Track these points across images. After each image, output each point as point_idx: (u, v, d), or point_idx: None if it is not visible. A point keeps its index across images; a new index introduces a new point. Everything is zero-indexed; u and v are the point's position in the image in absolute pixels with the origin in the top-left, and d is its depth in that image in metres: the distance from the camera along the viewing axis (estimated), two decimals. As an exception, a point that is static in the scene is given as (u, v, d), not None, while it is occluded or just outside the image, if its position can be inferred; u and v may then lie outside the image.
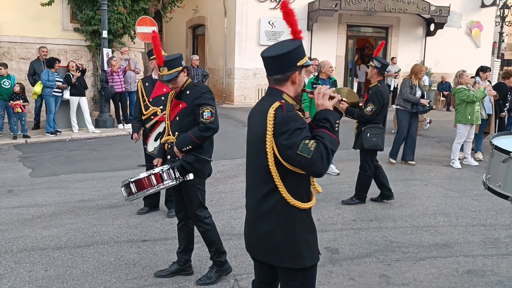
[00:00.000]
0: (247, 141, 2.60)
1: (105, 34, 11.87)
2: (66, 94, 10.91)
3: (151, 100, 5.47)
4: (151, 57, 5.52)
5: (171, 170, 3.85)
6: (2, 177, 7.54)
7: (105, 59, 11.77)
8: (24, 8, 12.11)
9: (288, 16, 2.50)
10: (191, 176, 3.91)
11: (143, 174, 3.81)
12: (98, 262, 4.49)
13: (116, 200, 6.43)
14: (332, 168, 8.03)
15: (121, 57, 11.90)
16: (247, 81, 17.06)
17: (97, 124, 11.91)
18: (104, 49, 11.88)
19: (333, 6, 16.13)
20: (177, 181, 3.89)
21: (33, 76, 11.15)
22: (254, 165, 2.55)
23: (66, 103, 11.10)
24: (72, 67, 10.87)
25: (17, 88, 10.20)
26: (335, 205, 6.39)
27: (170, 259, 4.58)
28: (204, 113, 3.83)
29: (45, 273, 4.25)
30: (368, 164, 6.21)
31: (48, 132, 10.72)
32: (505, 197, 3.55)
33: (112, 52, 12.50)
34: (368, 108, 5.98)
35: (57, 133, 10.84)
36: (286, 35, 15.95)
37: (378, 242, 5.11)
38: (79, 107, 11.20)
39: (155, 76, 5.61)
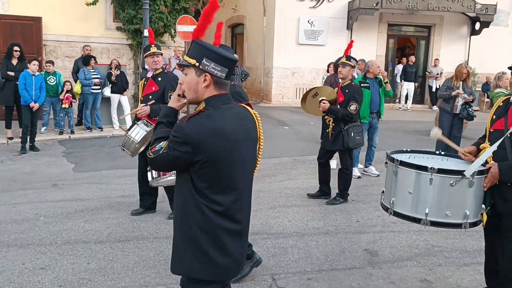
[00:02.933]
0: (244, 151, 2.41)
1: (146, 33, 12.05)
2: (107, 92, 11.16)
3: (142, 98, 5.61)
4: (147, 54, 5.63)
5: None
6: (47, 172, 7.79)
7: (146, 57, 11.95)
8: (70, 8, 12.45)
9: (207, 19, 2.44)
10: None
11: None
12: (138, 257, 4.56)
13: (156, 196, 6.52)
14: (372, 169, 7.90)
15: (170, 56, 12.19)
16: (285, 80, 17.00)
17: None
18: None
19: (374, 4, 15.87)
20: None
21: (77, 73, 11.45)
22: (248, 173, 2.48)
23: (108, 100, 11.35)
24: (114, 65, 11.11)
25: (68, 86, 10.51)
26: (374, 207, 6.27)
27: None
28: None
29: (87, 266, 4.35)
30: (350, 163, 6.31)
31: (86, 127, 11.06)
32: (458, 225, 3.18)
33: (153, 50, 12.67)
34: (352, 107, 6.02)
35: (99, 129, 11.11)
36: (325, 34, 15.83)
37: (419, 246, 4.99)
38: (120, 104, 11.43)
39: (149, 74, 5.68)
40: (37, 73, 9.15)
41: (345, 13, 16.97)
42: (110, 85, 11.13)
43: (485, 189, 3.20)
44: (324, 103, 6.06)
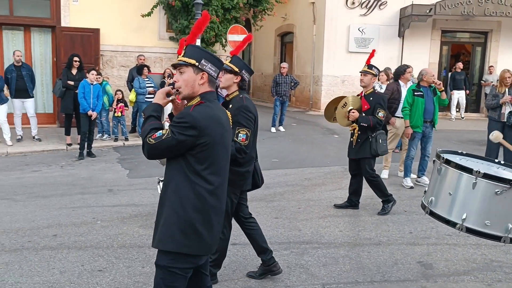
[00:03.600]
0: (228, 139, 2.83)
1: (198, 42, 12.32)
2: (162, 100, 11.46)
3: None
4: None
5: None
6: (103, 177, 8.08)
7: (198, 66, 12.21)
8: (126, 20, 12.92)
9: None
10: None
11: None
12: (191, 262, 4.64)
13: (207, 203, 6.63)
14: (425, 179, 7.70)
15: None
16: (335, 88, 16.88)
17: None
18: (197, 57, 12.34)
19: (427, 11, 15.53)
20: None
21: (131, 82, 11.83)
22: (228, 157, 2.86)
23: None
24: (167, 74, 11.42)
25: (120, 95, 10.90)
26: (428, 218, 6.08)
27: (259, 263, 4.63)
28: (239, 134, 3.83)
29: (142, 270, 4.48)
30: (372, 169, 6.16)
31: (140, 135, 11.39)
32: (497, 238, 2.97)
33: (205, 60, 12.93)
34: (381, 114, 5.96)
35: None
36: (376, 41, 15.62)
37: (477, 260, 4.82)
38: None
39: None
40: (95, 82, 9.52)
41: (396, 20, 16.69)
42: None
43: None
44: (353, 112, 6.02)
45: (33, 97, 10.81)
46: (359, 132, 6.05)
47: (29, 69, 10.83)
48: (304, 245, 5.14)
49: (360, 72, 6.29)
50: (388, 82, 9.55)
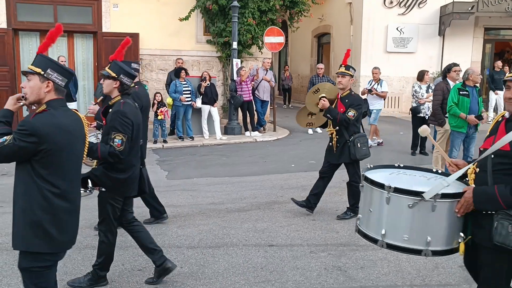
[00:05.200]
0: (79, 145, 3.06)
1: (235, 45, 12.43)
2: (198, 103, 11.60)
3: None
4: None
5: None
6: (142, 178, 8.23)
7: (235, 69, 12.31)
8: (165, 24, 13.16)
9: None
10: (103, 188, 3.99)
11: None
12: (228, 263, 4.69)
13: (244, 204, 6.67)
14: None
15: (257, 67, 12.52)
16: (373, 89, 16.66)
17: (226, 131, 12.49)
18: (233, 59, 12.45)
19: (469, 8, 15.13)
20: (88, 191, 3.93)
21: (170, 85, 12.03)
22: (80, 162, 3.08)
23: (198, 111, 11.81)
24: (204, 77, 11.56)
25: (159, 98, 11.10)
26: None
27: (296, 265, 4.63)
28: (115, 139, 3.82)
29: (180, 270, 4.55)
30: (358, 175, 5.83)
31: (178, 137, 11.57)
32: (417, 251, 2.87)
33: (241, 62, 13.02)
34: (351, 113, 5.75)
35: (191, 139, 11.58)
36: (415, 41, 15.37)
37: (522, 265, 4.65)
38: (210, 115, 11.85)
39: None
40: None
41: (436, 19, 16.34)
42: (201, 96, 11.57)
43: (459, 215, 2.82)
44: (324, 100, 5.80)
45: (75, 100, 11.18)
46: (337, 136, 5.87)
47: (73, 73, 11.16)
48: (342, 247, 5.10)
49: (336, 73, 6.08)
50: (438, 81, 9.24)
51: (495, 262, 2.82)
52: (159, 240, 5.29)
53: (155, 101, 11.06)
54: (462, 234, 2.87)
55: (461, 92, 7.20)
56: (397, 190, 2.83)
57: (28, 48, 12.68)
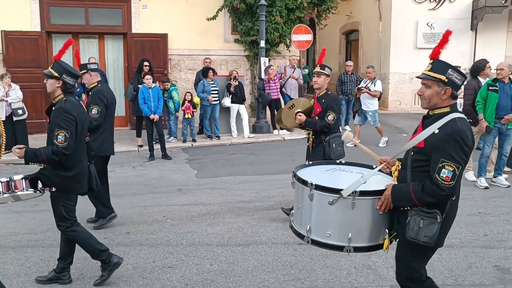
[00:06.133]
0: None
1: (262, 43, 12.44)
2: (227, 102, 11.65)
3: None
4: (82, 72, 5.70)
5: (23, 180, 3.90)
6: (172, 177, 8.35)
7: (263, 67, 12.31)
8: (193, 24, 13.27)
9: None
10: (53, 188, 4.00)
11: (2, 179, 3.88)
12: (257, 261, 4.70)
13: (273, 202, 6.68)
14: (501, 179, 7.32)
15: (285, 65, 12.51)
16: (403, 86, 16.43)
17: (254, 129, 12.51)
18: (261, 58, 12.45)
19: (503, 1, 14.74)
20: (39, 191, 3.97)
21: (198, 85, 12.12)
22: None
23: (226, 110, 11.87)
24: (232, 76, 11.60)
25: (188, 97, 11.21)
26: (505, 220, 5.82)
27: (326, 264, 4.61)
28: (58, 136, 3.87)
29: (210, 267, 4.59)
30: None
31: (206, 136, 11.65)
32: (339, 248, 2.93)
33: (269, 61, 13.02)
34: (331, 117, 5.50)
35: (217, 138, 11.64)
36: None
37: (560, 265, 4.51)
38: (238, 113, 11.89)
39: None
40: (152, 85, 9.82)
41: (468, 13, 15.98)
42: (230, 95, 11.62)
43: (381, 212, 2.87)
44: (300, 115, 5.62)
45: (106, 101, 11.36)
46: (313, 136, 5.70)
47: (103, 74, 11.37)
48: (372, 246, 5.04)
49: (313, 73, 5.94)
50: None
51: (414, 258, 2.94)
52: (188, 238, 5.37)
53: (186, 101, 11.18)
54: (387, 231, 2.93)
55: (490, 88, 7.01)
56: (318, 187, 2.90)
57: (60, 50, 12.97)
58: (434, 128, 2.77)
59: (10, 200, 4.06)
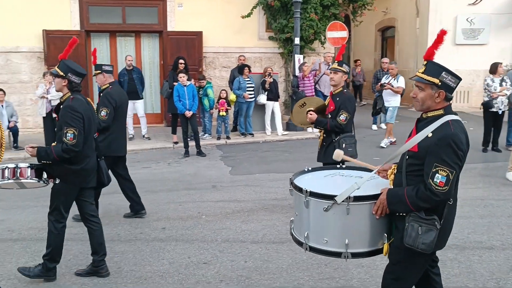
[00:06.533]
0: None
1: (297, 41, 12.37)
2: (263, 99, 11.65)
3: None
4: (97, 72, 5.96)
5: (29, 169, 4.03)
6: (207, 174, 8.41)
7: (297, 65, 12.26)
8: (227, 22, 13.32)
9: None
10: (58, 180, 4.13)
11: (10, 165, 4.03)
12: (292, 259, 4.69)
13: (307, 200, 6.63)
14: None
15: (319, 61, 12.45)
16: (441, 84, 16.03)
17: (288, 127, 12.47)
18: (296, 55, 12.39)
19: (547, -4, 14.19)
20: (42, 182, 4.09)
21: (232, 82, 12.17)
22: None
23: (260, 107, 11.87)
24: (267, 73, 11.59)
25: (224, 94, 11.28)
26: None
27: (361, 263, 4.55)
28: (67, 133, 3.97)
29: (244, 264, 4.60)
30: None
31: (241, 133, 11.69)
32: (337, 254, 2.89)
33: (303, 58, 12.95)
34: (342, 117, 5.31)
35: (250, 135, 11.66)
36: (487, 32, 14.61)
37: None
38: (271, 111, 11.88)
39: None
40: (187, 83, 9.90)
41: (510, 8, 15.44)
42: (265, 92, 11.62)
43: (377, 217, 2.83)
44: (311, 114, 5.49)
45: (142, 98, 11.57)
46: (324, 135, 5.57)
47: (139, 72, 11.60)
48: (409, 246, 4.95)
49: (329, 70, 5.77)
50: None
51: (410, 264, 2.85)
52: (223, 234, 5.40)
53: (220, 98, 11.25)
54: (386, 235, 2.88)
55: None
56: (312, 194, 2.89)
57: (98, 49, 13.22)
58: (427, 131, 2.71)
59: (15, 187, 4.22)
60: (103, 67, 5.90)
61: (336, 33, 12.84)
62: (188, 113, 9.70)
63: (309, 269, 4.47)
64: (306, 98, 6.01)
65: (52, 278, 4.31)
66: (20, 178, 3.99)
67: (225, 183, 7.74)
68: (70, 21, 12.54)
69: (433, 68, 2.78)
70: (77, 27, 12.59)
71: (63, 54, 4.29)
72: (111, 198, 6.90)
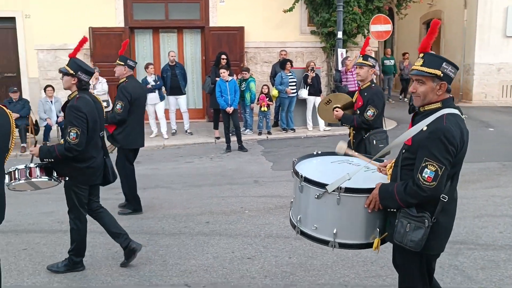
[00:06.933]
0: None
1: (340, 34, 12.19)
2: (304, 94, 11.55)
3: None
4: (120, 62, 5.99)
5: (37, 168, 4.12)
6: (249, 169, 8.42)
7: (339, 59, 12.08)
8: (269, 16, 13.26)
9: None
10: (67, 178, 4.21)
11: (20, 166, 4.10)
12: (337, 256, 4.61)
13: (351, 197, 6.53)
14: None
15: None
16: (489, 77, 15.46)
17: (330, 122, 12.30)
18: (338, 49, 12.21)
19: None
20: (53, 180, 4.19)
21: (274, 78, 12.12)
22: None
23: (301, 102, 11.77)
24: (310, 67, 11.47)
25: (265, 90, 11.26)
26: None
27: (408, 262, 4.43)
28: (70, 132, 4.02)
29: (289, 260, 4.57)
30: None
31: (282, 129, 11.63)
32: (325, 242, 2.90)
33: (346, 52, 12.74)
34: (369, 113, 5.10)
35: (292, 131, 11.59)
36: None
37: None
38: (314, 106, 11.75)
39: None
40: (229, 79, 9.91)
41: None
42: (307, 87, 11.51)
43: (369, 211, 2.78)
44: (337, 111, 5.32)
45: (185, 94, 11.68)
46: (354, 132, 5.37)
47: (182, 68, 11.72)
48: (458, 245, 4.79)
49: (355, 64, 5.53)
50: None
51: (405, 263, 2.82)
52: (266, 229, 5.38)
53: (262, 93, 11.24)
54: (378, 230, 2.83)
55: None
56: (307, 180, 2.89)
57: (142, 45, 13.50)
58: (423, 125, 2.64)
59: (29, 188, 4.33)
60: (128, 61, 6.02)
61: (380, 26, 12.57)
62: (230, 109, 9.73)
63: (355, 266, 4.39)
64: (331, 95, 5.92)
65: (81, 269, 4.44)
66: (30, 177, 4.11)
67: (267, 178, 7.72)
68: (115, 18, 12.80)
69: (433, 60, 2.68)
70: (122, 24, 12.84)
71: (72, 52, 4.39)
72: (155, 192, 7.02)
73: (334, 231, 2.83)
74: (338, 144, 3.45)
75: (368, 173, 3.13)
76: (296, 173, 3.00)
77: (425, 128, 2.61)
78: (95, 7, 12.54)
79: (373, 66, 5.29)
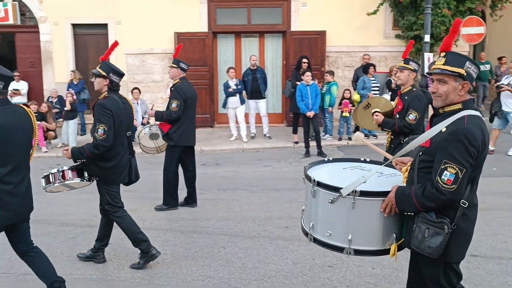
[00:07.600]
0: (19, 137, 3.39)
1: (427, 38, 11.64)
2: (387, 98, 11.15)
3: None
4: (173, 65, 6.26)
5: (69, 171, 4.27)
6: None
7: (426, 63, 11.53)
8: (352, 19, 12.96)
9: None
10: (96, 178, 4.36)
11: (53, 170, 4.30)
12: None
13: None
14: None
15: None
16: None
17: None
18: (425, 53, 11.67)
19: None
20: (86, 180, 4.34)
21: (356, 82, 11.82)
22: (23, 152, 3.45)
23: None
24: (394, 72, 11.06)
25: (347, 94, 11.01)
26: None
27: (507, 281, 4.05)
28: (98, 129, 4.11)
29: (372, 271, 4.35)
30: None
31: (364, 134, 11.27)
32: (339, 249, 2.75)
33: (433, 56, 12.15)
34: (411, 117, 4.90)
35: (373, 136, 11.21)
36: None
37: None
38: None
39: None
40: (311, 83, 9.74)
41: None
42: (390, 92, 11.10)
43: (386, 215, 2.64)
44: (377, 115, 5.01)
45: (265, 98, 11.69)
46: (392, 136, 5.11)
47: (263, 72, 11.75)
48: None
49: (396, 68, 5.09)
50: None
51: (432, 271, 2.66)
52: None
53: (344, 98, 11.00)
54: (395, 235, 2.71)
55: None
56: (320, 184, 2.77)
57: (224, 50, 13.71)
58: (441, 126, 2.53)
59: (64, 189, 4.51)
60: (180, 64, 6.26)
61: (472, 29, 11.85)
62: (310, 113, 9.58)
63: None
64: (370, 99, 5.69)
65: (153, 255, 4.49)
66: (64, 180, 4.29)
67: (347, 185, 7.47)
68: (198, 23, 13.11)
69: (456, 59, 2.56)
70: (205, 29, 13.12)
71: (104, 56, 4.55)
72: (235, 194, 7.05)
73: (349, 237, 2.71)
74: (355, 134, 3.41)
75: (381, 178, 3.01)
76: (308, 178, 2.89)
77: (444, 130, 2.52)
78: (180, 13, 12.91)
79: (415, 71, 5.11)
